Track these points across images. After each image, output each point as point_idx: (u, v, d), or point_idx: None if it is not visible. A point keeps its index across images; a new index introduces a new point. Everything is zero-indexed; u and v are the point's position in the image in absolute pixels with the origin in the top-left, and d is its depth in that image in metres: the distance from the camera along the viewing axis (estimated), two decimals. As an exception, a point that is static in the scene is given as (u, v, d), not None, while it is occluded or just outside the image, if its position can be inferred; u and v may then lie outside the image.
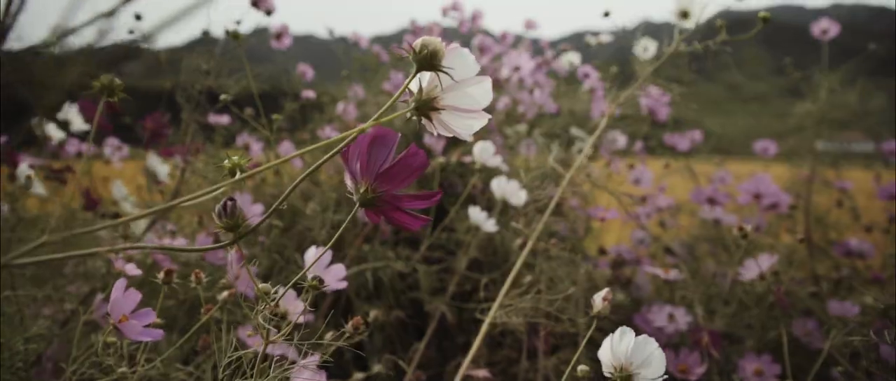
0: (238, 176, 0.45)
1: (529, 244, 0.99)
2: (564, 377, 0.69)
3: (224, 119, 1.50)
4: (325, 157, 0.45)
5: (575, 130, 1.89)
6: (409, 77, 0.44)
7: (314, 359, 0.69)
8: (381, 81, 1.76)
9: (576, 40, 2.37)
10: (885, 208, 1.81)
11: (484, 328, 0.89)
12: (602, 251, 1.60)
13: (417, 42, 0.43)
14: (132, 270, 0.79)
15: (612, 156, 1.88)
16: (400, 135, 0.46)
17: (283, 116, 1.63)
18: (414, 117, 0.45)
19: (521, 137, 1.74)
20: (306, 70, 1.96)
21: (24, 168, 1.28)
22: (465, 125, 0.45)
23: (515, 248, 1.21)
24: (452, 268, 1.26)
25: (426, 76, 0.45)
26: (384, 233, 1.30)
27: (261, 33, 1.75)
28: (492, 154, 1.14)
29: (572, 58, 1.98)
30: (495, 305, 0.90)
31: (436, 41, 0.43)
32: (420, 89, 0.45)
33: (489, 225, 1.14)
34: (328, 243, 0.83)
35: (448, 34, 2.01)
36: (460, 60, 0.44)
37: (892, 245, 1.64)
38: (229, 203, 0.47)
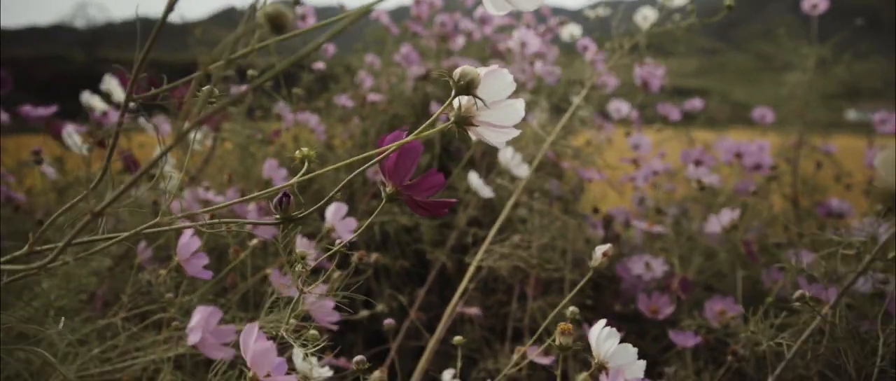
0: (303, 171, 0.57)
1: (513, 198, 1.12)
2: (549, 318, 0.82)
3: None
4: (366, 165, 0.54)
5: (575, 99, 2.00)
6: (449, 100, 0.49)
7: (323, 292, 0.84)
8: (392, 53, 1.88)
9: (574, 12, 2.46)
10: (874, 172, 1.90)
11: (471, 269, 1.03)
12: (595, 210, 1.72)
13: (457, 71, 0.48)
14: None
15: (604, 122, 1.99)
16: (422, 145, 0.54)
17: (302, 88, 1.77)
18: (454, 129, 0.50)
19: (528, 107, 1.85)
20: (328, 47, 2.08)
21: (69, 131, 1.44)
22: (498, 137, 0.51)
23: (512, 211, 1.34)
24: (453, 223, 1.40)
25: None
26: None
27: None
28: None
29: (573, 30, 2.07)
30: (481, 249, 1.04)
31: (473, 72, 0.48)
32: (459, 106, 0.50)
33: (486, 191, 1.27)
34: (341, 200, 0.97)
35: (451, 4, 2.11)
36: (498, 81, 0.49)
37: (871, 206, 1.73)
38: (285, 199, 0.53)
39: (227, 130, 1.60)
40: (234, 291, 1.04)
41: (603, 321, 0.60)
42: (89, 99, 1.62)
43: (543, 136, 1.21)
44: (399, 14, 2.22)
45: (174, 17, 0.47)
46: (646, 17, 1.86)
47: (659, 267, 1.29)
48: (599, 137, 2.11)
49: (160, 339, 0.88)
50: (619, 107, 2.09)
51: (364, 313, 1.09)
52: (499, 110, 0.49)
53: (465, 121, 0.49)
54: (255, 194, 0.55)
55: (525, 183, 1.18)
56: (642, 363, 0.58)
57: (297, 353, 0.71)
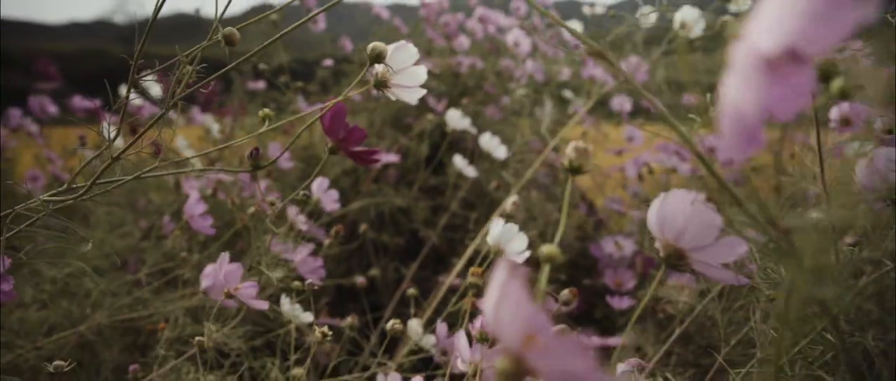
0: (266, 127, 0.72)
1: (512, 193, 1.26)
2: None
3: (261, 85, 1.81)
4: (306, 125, 0.71)
5: (568, 94, 2.12)
6: (364, 69, 0.63)
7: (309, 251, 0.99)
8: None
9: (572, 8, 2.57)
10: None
11: (469, 251, 1.17)
12: (582, 197, 1.85)
13: (369, 47, 0.61)
14: (193, 188, 1.10)
15: (590, 117, 2.11)
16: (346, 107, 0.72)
17: (317, 82, 1.93)
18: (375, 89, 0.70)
19: (522, 101, 1.99)
20: (346, 43, 2.26)
21: (105, 125, 1.62)
22: (409, 95, 0.64)
23: (491, 189, 1.49)
24: (445, 205, 1.54)
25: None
26: (389, 176, 1.60)
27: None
28: (460, 118, 1.42)
29: (573, 26, 2.19)
30: (480, 236, 1.18)
31: (381, 46, 0.61)
32: (376, 73, 0.64)
33: (469, 171, 1.41)
34: (336, 181, 1.12)
35: (456, 4, 2.25)
36: (404, 53, 0.63)
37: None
38: (254, 151, 0.73)
39: (246, 118, 1.77)
40: (244, 257, 1.20)
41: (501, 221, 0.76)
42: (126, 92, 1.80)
43: (544, 134, 1.36)
44: (409, 12, 2.37)
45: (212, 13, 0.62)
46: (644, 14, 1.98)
47: (629, 247, 1.42)
48: (597, 131, 2.24)
49: (177, 295, 1.05)
50: (623, 103, 2.21)
51: (359, 278, 1.24)
52: (405, 75, 0.63)
53: (382, 84, 0.64)
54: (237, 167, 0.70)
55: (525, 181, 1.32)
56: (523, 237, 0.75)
57: (284, 300, 0.87)
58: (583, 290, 1.42)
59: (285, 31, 0.66)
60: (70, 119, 1.85)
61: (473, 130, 1.49)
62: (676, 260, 0.44)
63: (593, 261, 1.51)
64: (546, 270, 0.33)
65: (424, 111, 1.76)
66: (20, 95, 1.98)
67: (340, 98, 0.65)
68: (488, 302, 0.23)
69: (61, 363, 0.63)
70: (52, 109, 1.82)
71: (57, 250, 1.14)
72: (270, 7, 1.70)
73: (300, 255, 0.95)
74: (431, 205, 1.57)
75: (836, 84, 0.42)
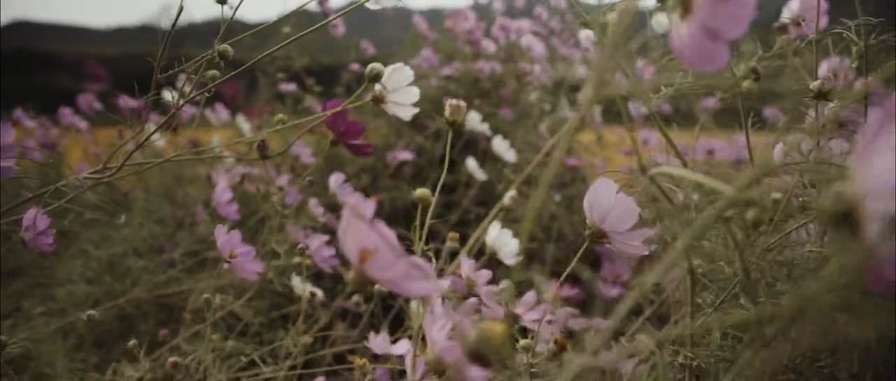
0: (280, 127, 0.83)
1: (512, 187, 1.35)
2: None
3: (291, 87, 1.93)
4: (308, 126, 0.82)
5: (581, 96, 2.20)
6: (362, 87, 0.70)
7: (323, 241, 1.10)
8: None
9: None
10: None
11: (469, 242, 1.27)
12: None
13: (369, 67, 0.67)
14: (222, 179, 1.22)
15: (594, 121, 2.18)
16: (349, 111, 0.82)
17: (342, 85, 2.05)
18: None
19: (535, 103, 2.07)
20: (368, 47, 2.37)
21: (149, 126, 1.76)
22: (404, 112, 0.71)
23: (500, 189, 1.58)
24: (458, 201, 1.65)
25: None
26: (405, 173, 1.71)
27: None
28: (478, 121, 1.51)
29: (589, 32, 2.27)
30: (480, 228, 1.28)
31: (379, 67, 0.67)
32: (375, 90, 0.69)
33: (480, 174, 1.50)
34: (357, 176, 1.23)
35: (480, 11, 2.35)
36: (400, 74, 0.69)
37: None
38: (262, 143, 0.83)
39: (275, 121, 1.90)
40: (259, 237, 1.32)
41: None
42: (167, 93, 1.95)
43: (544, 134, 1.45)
44: (433, 17, 2.48)
45: (254, 17, 0.73)
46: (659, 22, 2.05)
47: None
48: (613, 133, 2.31)
49: (205, 274, 1.17)
50: (639, 106, 2.28)
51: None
52: (400, 93, 0.71)
53: (379, 100, 0.71)
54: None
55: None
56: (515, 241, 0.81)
57: (296, 279, 0.98)
58: (582, 282, 1.50)
59: (293, 38, 0.76)
60: (115, 117, 2.00)
61: (488, 132, 1.58)
62: (598, 238, 0.53)
63: (597, 256, 1.59)
64: (429, 208, 0.43)
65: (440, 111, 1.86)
66: (69, 96, 2.14)
67: (344, 107, 0.74)
68: (340, 233, 0.33)
69: (92, 312, 0.75)
70: (99, 106, 1.97)
71: (102, 235, 1.28)
72: (303, 13, 1.83)
73: (315, 243, 1.05)
74: (444, 201, 1.67)
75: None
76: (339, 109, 0.72)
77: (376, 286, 0.89)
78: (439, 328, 0.46)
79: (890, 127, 0.21)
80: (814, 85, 0.64)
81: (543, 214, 1.54)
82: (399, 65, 0.71)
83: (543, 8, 2.54)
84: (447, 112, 0.72)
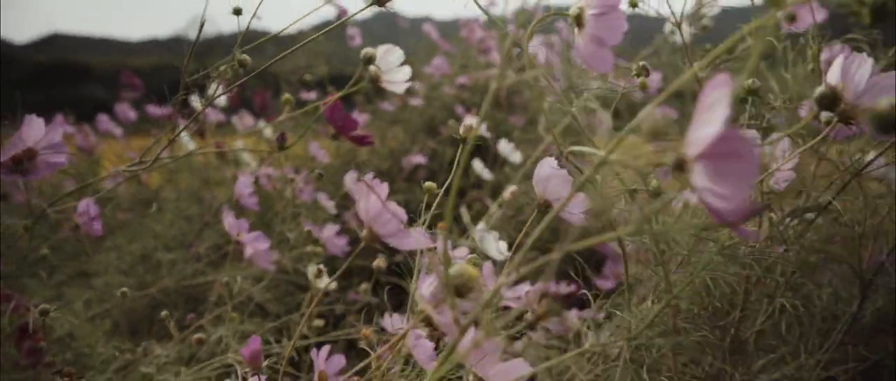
0: (287, 113, 0.92)
1: (514, 184, 1.43)
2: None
3: (312, 95, 2.04)
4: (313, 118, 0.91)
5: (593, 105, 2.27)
6: (359, 69, 0.88)
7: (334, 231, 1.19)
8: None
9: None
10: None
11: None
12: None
13: (362, 52, 0.83)
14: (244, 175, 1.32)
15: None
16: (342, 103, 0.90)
17: (360, 92, 2.14)
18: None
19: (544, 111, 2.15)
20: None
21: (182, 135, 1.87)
22: (398, 88, 0.78)
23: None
24: (468, 202, 1.73)
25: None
26: (419, 175, 1.79)
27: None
28: (484, 128, 1.59)
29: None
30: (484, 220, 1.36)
31: (371, 50, 0.74)
32: (370, 72, 0.80)
33: (486, 174, 1.58)
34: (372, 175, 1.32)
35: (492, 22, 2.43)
36: (392, 55, 0.76)
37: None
38: (281, 136, 0.93)
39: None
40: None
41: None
42: (195, 101, 2.06)
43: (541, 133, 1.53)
44: (448, 28, 2.57)
45: (282, 28, 0.82)
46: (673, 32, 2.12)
47: (631, 245, 1.56)
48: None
49: (229, 267, 1.27)
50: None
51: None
52: (393, 73, 0.78)
53: (375, 80, 0.78)
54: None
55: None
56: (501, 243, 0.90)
57: (310, 270, 1.06)
58: (586, 281, 1.57)
59: (302, 43, 0.85)
60: (148, 126, 2.12)
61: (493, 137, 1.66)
62: (545, 208, 0.62)
63: (602, 257, 1.66)
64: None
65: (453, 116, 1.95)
66: (103, 106, 2.26)
67: (340, 95, 0.82)
68: (358, 205, 0.42)
69: (125, 289, 0.84)
70: (132, 114, 2.09)
71: (135, 232, 1.39)
72: (331, 23, 1.93)
73: (328, 233, 1.14)
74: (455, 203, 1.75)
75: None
76: (336, 96, 0.80)
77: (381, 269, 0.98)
78: (427, 285, 0.54)
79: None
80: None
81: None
82: (389, 46, 0.78)
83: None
84: (461, 130, 0.80)
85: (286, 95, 0.86)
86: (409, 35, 2.65)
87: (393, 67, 0.80)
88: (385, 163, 1.90)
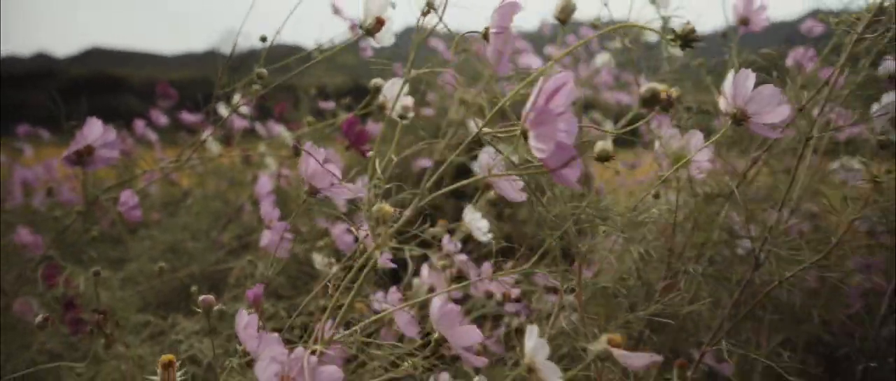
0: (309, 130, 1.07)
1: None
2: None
3: (330, 105, 2.20)
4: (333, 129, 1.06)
5: (596, 115, 2.40)
6: (370, 95, 1.02)
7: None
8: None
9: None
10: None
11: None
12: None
13: (371, 83, 1.01)
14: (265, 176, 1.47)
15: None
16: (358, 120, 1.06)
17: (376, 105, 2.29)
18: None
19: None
20: (398, 69, 2.63)
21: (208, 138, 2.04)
22: (404, 115, 1.03)
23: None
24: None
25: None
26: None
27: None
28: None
29: (604, 57, 2.46)
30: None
31: (380, 81, 0.95)
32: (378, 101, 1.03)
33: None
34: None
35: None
36: (397, 86, 0.98)
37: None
38: (297, 142, 1.08)
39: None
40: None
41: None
42: (224, 111, 2.23)
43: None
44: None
45: (308, 43, 0.97)
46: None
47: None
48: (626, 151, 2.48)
49: (249, 255, 1.42)
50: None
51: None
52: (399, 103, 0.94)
53: (383, 107, 0.94)
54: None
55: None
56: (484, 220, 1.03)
57: (317, 258, 1.20)
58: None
59: (315, 59, 0.99)
60: (181, 135, 2.29)
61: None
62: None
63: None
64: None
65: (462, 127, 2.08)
66: (139, 116, 2.43)
67: (354, 114, 0.97)
68: (300, 166, 0.56)
69: (163, 264, 0.99)
70: (164, 120, 2.27)
71: (166, 225, 1.55)
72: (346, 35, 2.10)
73: (338, 230, 1.28)
74: (458, 205, 1.89)
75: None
76: (351, 114, 0.95)
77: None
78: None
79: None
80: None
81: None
82: (395, 79, 0.93)
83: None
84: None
85: (309, 118, 0.99)
86: (425, 46, 2.79)
87: (399, 96, 0.94)
88: (396, 168, 2.04)
